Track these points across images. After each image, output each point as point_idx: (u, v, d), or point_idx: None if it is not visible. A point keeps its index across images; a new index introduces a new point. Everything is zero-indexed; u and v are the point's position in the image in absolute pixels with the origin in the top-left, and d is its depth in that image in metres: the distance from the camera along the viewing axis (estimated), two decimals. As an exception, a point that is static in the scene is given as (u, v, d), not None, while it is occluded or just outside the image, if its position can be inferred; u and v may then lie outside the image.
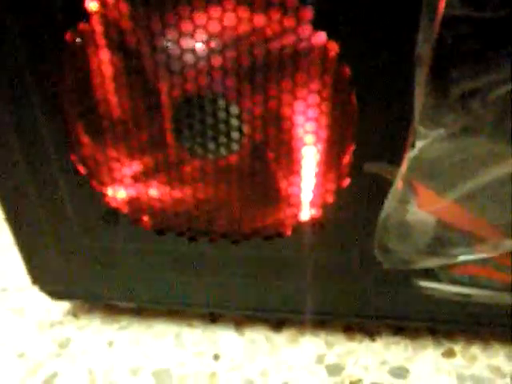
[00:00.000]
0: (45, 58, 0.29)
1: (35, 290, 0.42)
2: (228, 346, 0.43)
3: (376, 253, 0.35)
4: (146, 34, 0.27)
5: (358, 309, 0.40)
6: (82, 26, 0.27)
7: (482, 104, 0.28)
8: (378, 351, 0.43)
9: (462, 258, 0.35)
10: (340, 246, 0.36)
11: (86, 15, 0.27)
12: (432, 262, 0.35)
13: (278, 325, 0.45)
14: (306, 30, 0.27)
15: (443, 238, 0.34)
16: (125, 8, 0.27)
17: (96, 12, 0.27)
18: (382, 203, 0.33)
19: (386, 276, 0.37)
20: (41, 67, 0.29)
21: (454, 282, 0.37)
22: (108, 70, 0.29)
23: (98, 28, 0.28)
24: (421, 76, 0.28)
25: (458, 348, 0.43)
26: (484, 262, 0.36)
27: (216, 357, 0.42)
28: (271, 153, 0.32)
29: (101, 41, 0.28)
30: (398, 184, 0.32)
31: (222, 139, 0.31)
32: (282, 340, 0.44)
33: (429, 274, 0.37)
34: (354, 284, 0.38)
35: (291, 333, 0.44)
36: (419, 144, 0.30)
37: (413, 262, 0.35)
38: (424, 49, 0.27)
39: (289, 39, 0.27)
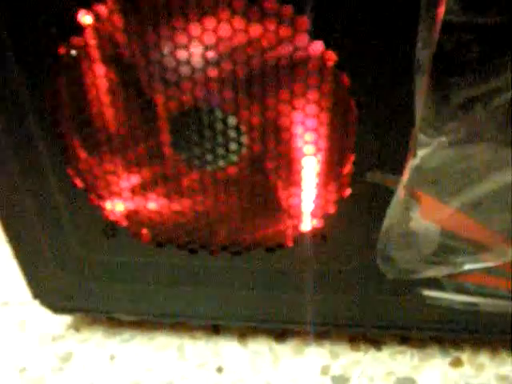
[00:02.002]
0: (39, 73, 0.28)
1: (37, 303, 0.42)
2: (231, 358, 0.43)
3: (379, 263, 0.35)
4: (140, 46, 0.27)
5: (362, 319, 0.40)
6: (75, 39, 0.27)
7: (484, 111, 0.28)
8: (383, 361, 0.42)
9: (467, 266, 0.34)
10: (342, 257, 0.35)
11: (79, 29, 0.27)
12: (436, 272, 0.35)
13: (281, 335, 0.44)
14: (302, 39, 0.26)
15: (447, 247, 0.34)
16: (118, 21, 0.26)
17: (89, 25, 0.27)
18: (384, 213, 0.32)
19: (389, 286, 0.36)
20: (35, 82, 0.29)
21: (460, 291, 0.37)
22: (103, 83, 0.29)
23: (92, 41, 0.27)
24: (421, 83, 0.27)
25: (465, 357, 0.42)
26: (489, 270, 0.35)
27: (219, 369, 0.42)
28: (271, 164, 0.31)
29: (95, 54, 0.28)
30: (401, 193, 0.31)
31: (221, 151, 0.31)
32: (285, 351, 0.43)
33: (434, 283, 0.36)
34: (358, 294, 0.37)
35: (295, 343, 0.44)
36: (421, 152, 0.29)
37: (417, 271, 0.35)
38: (424, 56, 0.27)
39: (286, 49, 0.27)
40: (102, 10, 0.26)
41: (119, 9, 0.26)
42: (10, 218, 0.36)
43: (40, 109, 0.30)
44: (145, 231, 0.36)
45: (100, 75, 0.28)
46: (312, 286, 0.37)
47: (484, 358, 0.42)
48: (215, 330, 0.45)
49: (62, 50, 0.27)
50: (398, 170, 0.30)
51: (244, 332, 0.44)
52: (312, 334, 0.44)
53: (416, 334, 0.43)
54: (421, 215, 0.33)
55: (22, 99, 0.29)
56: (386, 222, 0.33)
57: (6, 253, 0.50)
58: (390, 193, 0.31)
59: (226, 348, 0.44)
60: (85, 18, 0.26)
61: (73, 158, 0.32)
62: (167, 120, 0.30)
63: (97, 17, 0.26)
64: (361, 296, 0.38)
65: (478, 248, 0.34)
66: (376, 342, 0.44)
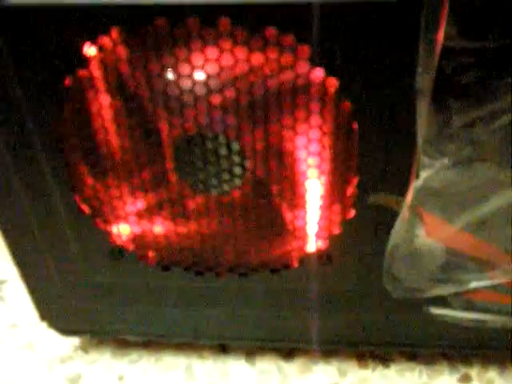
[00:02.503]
0: (45, 104, 0.29)
1: (45, 325, 0.42)
2: (239, 378, 0.43)
3: (385, 282, 0.35)
4: (144, 76, 0.27)
5: (369, 337, 0.40)
6: (80, 71, 0.28)
7: (486, 132, 0.28)
8: (392, 378, 0.42)
9: (473, 284, 0.34)
10: (348, 277, 0.35)
11: (84, 61, 0.27)
12: (442, 290, 0.35)
13: (289, 354, 0.44)
14: (303, 67, 0.26)
15: (453, 265, 0.34)
16: (123, 52, 0.27)
17: (94, 57, 0.27)
18: (389, 233, 0.32)
19: (396, 304, 0.36)
20: (41, 112, 0.29)
21: (467, 308, 0.36)
22: (108, 112, 0.29)
23: (97, 73, 0.28)
24: (422, 106, 0.27)
25: (474, 373, 0.42)
26: (496, 287, 0.35)
27: (227, 389, 0.42)
28: (275, 187, 0.32)
29: (100, 85, 0.28)
30: (405, 213, 0.31)
31: (225, 175, 0.31)
32: (293, 369, 0.43)
33: (441, 300, 0.36)
34: (364, 313, 0.37)
35: (303, 361, 0.44)
36: (424, 174, 0.29)
37: (423, 290, 0.35)
38: (424, 80, 0.27)
39: (287, 76, 0.27)
40: (107, 41, 0.27)
41: (123, 40, 0.27)
42: (18, 242, 0.36)
43: (47, 138, 0.30)
44: (151, 254, 0.36)
45: (105, 104, 0.29)
46: (318, 305, 0.37)
47: (493, 373, 0.42)
48: (223, 349, 0.45)
49: (67, 82, 0.28)
50: (401, 191, 0.30)
51: (252, 351, 0.44)
52: (319, 352, 0.44)
53: (424, 351, 0.42)
54: (425, 234, 0.33)
55: (30, 129, 0.30)
56: (391, 242, 0.33)
57: (14, 275, 0.51)
58: (395, 213, 0.32)
59: (234, 367, 0.44)
60: (90, 50, 0.27)
61: (79, 184, 0.32)
62: (172, 146, 0.30)
63: (101, 48, 0.27)
64: (367, 314, 0.38)
65: (483, 266, 0.34)
66: (384, 359, 0.43)
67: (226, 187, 0.32)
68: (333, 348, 0.43)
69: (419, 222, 0.32)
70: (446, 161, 0.29)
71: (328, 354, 0.44)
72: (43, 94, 0.28)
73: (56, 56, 0.27)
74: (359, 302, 0.37)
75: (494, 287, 0.35)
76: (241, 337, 0.41)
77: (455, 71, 0.26)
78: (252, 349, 0.45)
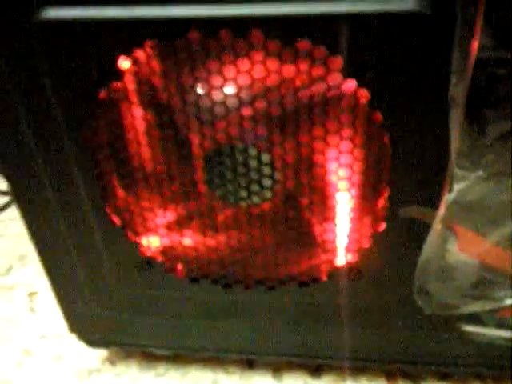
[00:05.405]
0: (79, 116, 0.29)
1: (73, 336, 0.42)
2: (266, 394, 0.42)
3: (416, 298, 0.34)
4: (176, 88, 0.28)
5: (399, 354, 0.39)
6: (115, 84, 0.28)
7: (521, 144, 0.28)
8: (422, 398, 0.41)
9: (508, 301, 0.33)
10: (377, 291, 0.35)
11: (118, 74, 0.28)
12: (475, 307, 0.34)
13: (317, 370, 0.44)
14: (335, 78, 0.26)
15: (486, 281, 0.33)
16: (156, 65, 0.27)
17: (128, 70, 0.28)
18: (421, 247, 0.32)
19: (427, 321, 0.35)
20: (76, 124, 0.30)
21: (501, 326, 0.35)
22: (141, 124, 0.30)
23: (131, 85, 0.28)
24: (456, 117, 0.27)
25: (508, 394, 0.41)
26: (532, 304, 0.34)
27: (254, 405, 0.41)
28: (304, 199, 0.31)
29: (133, 97, 0.29)
30: (437, 227, 0.31)
31: (255, 187, 0.31)
32: (321, 386, 0.42)
33: (473, 318, 0.35)
34: (394, 329, 0.37)
35: (331, 378, 0.43)
36: (457, 187, 0.29)
37: (455, 306, 0.34)
38: (458, 90, 0.26)
39: (319, 88, 0.27)
40: (141, 54, 0.27)
41: (157, 53, 0.27)
42: (49, 253, 0.37)
43: (80, 150, 0.31)
44: (180, 266, 0.36)
45: (138, 117, 0.29)
46: (347, 320, 0.37)
47: (528, 395, 0.41)
48: (249, 364, 0.44)
49: (102, 94, 0.28)
50: (433, 204, 0.30)
51: (279, 367, 0.44)
52: (348, 369, 0.43)
53: (456, 370, 0.41)
54: (458, 248, 0.32)
55: (63, 141, 0.30)
56: (423, 256, 0.32)
57: (44, 287, 0.51)
58: (427, 226, 0.31)
59: (260, 383, 0.43)
60: (124, 63, 0.27)
61: (111, 196, 0.33)
62: (202, 158, 0.31)
63: (135, 61, 0.27)
64: (397, 331, 0.37)
65: (518, 282, 0.33)
66: (414, 378, 0.42)
67: (255, 199, 0.32)
68: (362, 365, 0.42)
69: (452, 236, 0.32)
70: (480, 173, 0.28)
71: (356, 371, 0.43)
72: (78, 106, 0.29)
73: (91, 69, 0.27)
74: (389, 318, 0.36)
75: (529, 304, 0.34)
76: (268, 352, 0.41)
77: (489, 82, 0.26)
78: (279, 364, 0.44)
